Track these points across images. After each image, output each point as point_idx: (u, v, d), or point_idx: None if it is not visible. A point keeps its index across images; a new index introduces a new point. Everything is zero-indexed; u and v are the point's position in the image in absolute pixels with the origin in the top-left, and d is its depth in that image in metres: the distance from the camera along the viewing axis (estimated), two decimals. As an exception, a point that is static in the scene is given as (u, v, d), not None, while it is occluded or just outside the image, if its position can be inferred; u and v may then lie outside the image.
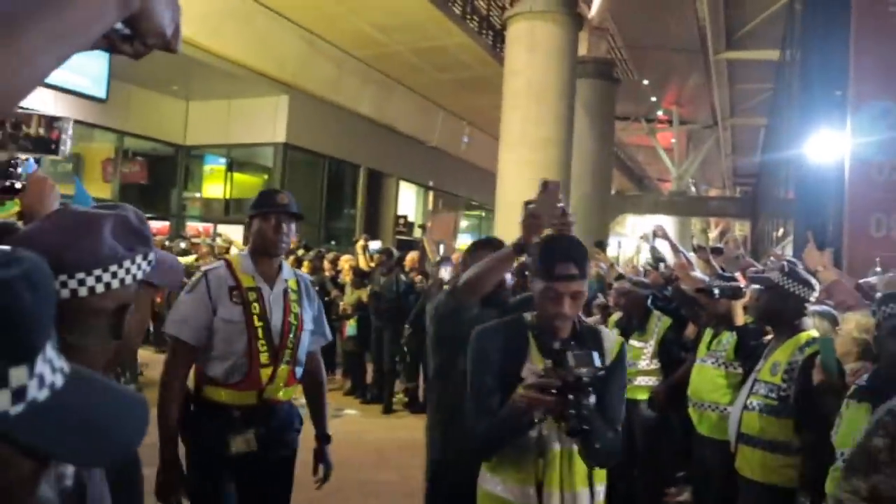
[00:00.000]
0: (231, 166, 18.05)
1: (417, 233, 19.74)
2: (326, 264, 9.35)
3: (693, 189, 35.84)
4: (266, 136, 16.51)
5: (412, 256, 8.78)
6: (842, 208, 8.88)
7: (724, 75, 20.53)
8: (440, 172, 22.11)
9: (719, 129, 27.12)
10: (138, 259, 1.20)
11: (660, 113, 28.07)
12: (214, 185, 18.26)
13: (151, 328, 9.46)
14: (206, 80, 14.89)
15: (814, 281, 3.38)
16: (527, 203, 2.60)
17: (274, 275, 2.88)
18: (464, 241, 23.45)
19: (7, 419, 0.54)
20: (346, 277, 8.82)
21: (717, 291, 4.06)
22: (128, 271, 1.18)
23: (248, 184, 18.49)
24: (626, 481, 5.34)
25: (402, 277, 8.51)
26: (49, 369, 0.57)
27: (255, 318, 2.77)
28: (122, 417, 0.61)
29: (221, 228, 14.70)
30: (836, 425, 2.56)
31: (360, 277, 8.61)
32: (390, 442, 7.07)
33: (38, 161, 1.60)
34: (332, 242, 15.92)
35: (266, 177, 17.57)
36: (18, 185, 1.65)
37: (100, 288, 1.13)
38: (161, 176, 17.06)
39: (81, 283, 1.11)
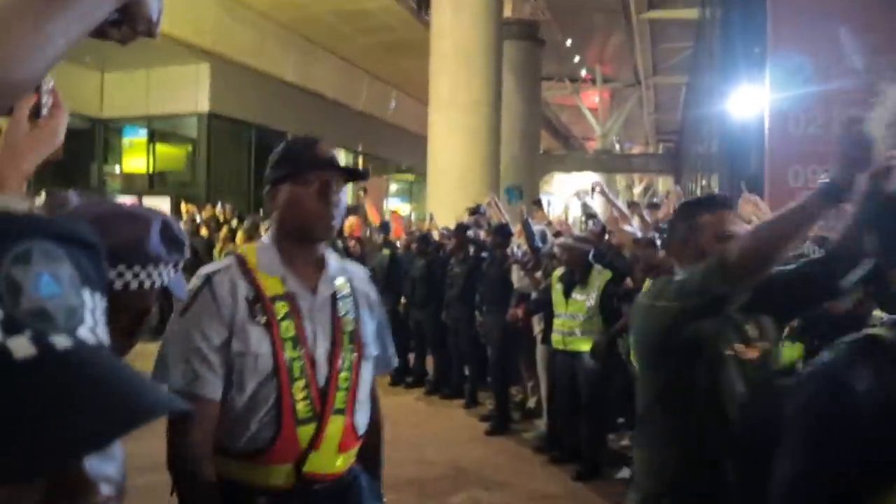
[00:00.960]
0: (153, 138, 17.49)
1: (349, 198, 19.60)
2: (263, 233, 9.22)
3: (617, 147, 36.50)
4: (188, 106, 16.04)
5: (351, 222, 8.74)
6: (762, 161, 9.23)
7: (647, 35, 20.86)
8: (369, 137, 21.92)
9: (642, 88, 27.61)
10: (171, 265, 1.20)
11: (584, 72, 28.36)
12: (136, 158, 17.67)
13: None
14: (122, 50, 14.15)
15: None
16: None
17: (316, 273, 1.80)
18: (395, 205, 23.44)
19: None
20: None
21: (659, 242, 4.21)
22: (160, 274, 1.18)
23: (172, 155, 17.97)
24: (570, 430, 5.54)
25: (339, 244, 8.48)
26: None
27: (289, 344, 1.72)
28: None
29: (147, 202, 14.29)
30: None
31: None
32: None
33: None
34: (262, 211, 15.68)
35: (190, 147, 17.10)
36: None
37: (134, 285, 1.13)
38: (77, 150, 16.39)
39: (120, 275, 1.11)
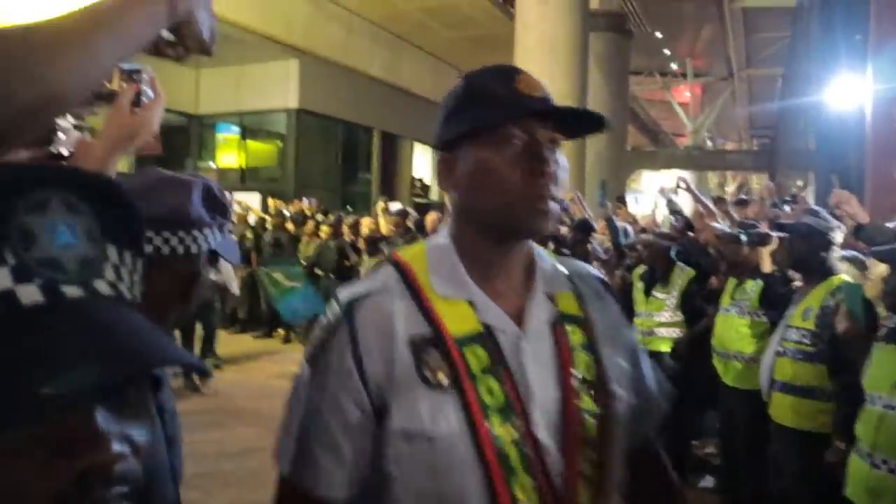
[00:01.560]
0: (244, 134, 18.03)
1: (434, 195, 19.70)
2: (346, 229, 9.36)
3: (709, 143, 35.44)
4: (278, 103, 16.45)
5: (432, 217, 8.77)
6: (863, 155, 8.77)
7: (740, 25, 20.14)
8: (454, 133, 21.98)
9: (735, 81, 26.69)
10: (216, 228, 1.22)
11: (674, 66, 27.62)
12: (228, 153, 18.25)
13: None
14: (216, 48, 14.79)
15: (839, 223, 3.35)
16: None
17: (522, 288, 1.12)
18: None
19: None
20: (363, 243, 8.85)
21: (744, 238, 4.03)
22: (206, 238, 1.19)
23: (262, 151, 18.47)
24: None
25: (421, 239, 8.52)
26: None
27: (496, 417, 1.01)
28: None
29: (238, 197, 14.74)
30: (865, 367, 2.56)
31: (374, 244, 8.64)
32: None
33: (81, 129, 1.60)
34: (349, 208, 15.94)
35: (280, 143, 17.54)
36: (65, 152, 1.64)
37: (180, 249, 1.15)
38: (175, 147, 17.06)
39: (166, 241, 1.13)
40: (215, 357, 7.56)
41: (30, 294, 0.47)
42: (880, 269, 2.95)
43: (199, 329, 7.52)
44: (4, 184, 0.50)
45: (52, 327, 0.47)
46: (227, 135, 18.28)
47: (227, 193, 1.29)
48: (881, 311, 2.84)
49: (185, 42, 0.94)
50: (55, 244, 0.50)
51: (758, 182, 32.94)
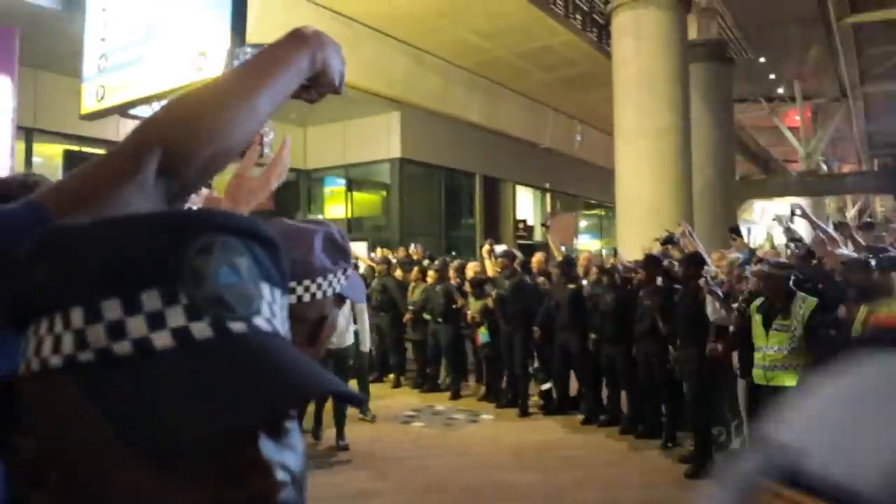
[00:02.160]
0: (350, 186, 18.57)
1: (538, 236, 19.62)
2: (452, 272, 9.43)
3: (824, 167, 33.85)
4: (381, 153, 16.89)
5: (538, 258, 8.73)
6: None
7: (850, 42, 19.31)
8: (556, 173, 21.91)
9: (849, 100, 25.49)
10: (339, 273, 1.26)
11: (780, 90, 26.69)
12: (335, 205, 18.81)
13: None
14: (322, 105, 15.27)
15: None
16: None
17: None
18: (584, 242, 23.16)
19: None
20: (469, 286, 8.88)
21: (874, 262, 3.80)
22: (330, 284, 1.23)
23: (367, 202, 18.95)
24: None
25: (528, 280, 8.47)
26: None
27: None
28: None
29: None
30: None
31: (479, 287, 8.66)
32: (527, 444, 7.04)
33: (207, 184, 1.71)
34: (453, 253, 16.06)
35: (385, 193, 17.95)
36: (195, 207, 1.74)
37: (306, 297, 1.19)
38: (286, 201, 17.74)
39: (292, 290, 1.17)
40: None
41: (201, 330, 0.50)
42: None
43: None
44: (179, 228, 0.53)
45: (222, 360, 0.50)
46: (334, 187, 18.87)
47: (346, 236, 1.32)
48: None
49: (319, 88, 1.05)
50: (220, 283, 0.53)
51: (881, 204, 31.13)
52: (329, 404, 6.76)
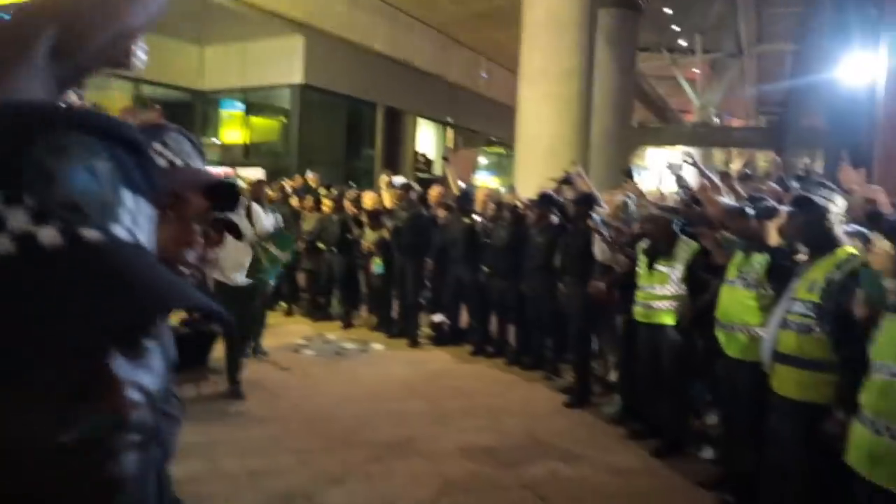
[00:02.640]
0: (248, 110, 17.94)
1: (438, 170, 19.62)
2: (348, 203, 9.32)
3: (716, 120, 35.18)
4: (282, 78, 16.34)
5: (436, 191, 8.73)
6: (874, 132, 8.68)
7: (751, 0, 19.90)
8: (459, 109, 21.86)
9: (744, 58, 26.43)
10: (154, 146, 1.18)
11: (683, 42, 27.35)
12: (232, 130, 18.17)
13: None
14: (220, 24, 14.68)
15: (842, 196, 3.31)
16: None
17: None
18: (483, 179, 23.35)
19: None
20: (365, 219, 8.81)
21: (751, 212, 3.99)
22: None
23: (266, 127, 18.40)
24: (651, 405, 5.38)
25: (425, 212, 8.48)
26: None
27: None
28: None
29: (242, 172, 14.69)
30: (874, 338, 2.53)
31: (376, 218, 8.60)
32: (416, 373, 7.16)
33: (80, 94, 1.57)
34: (352, 184, 15.88)
35: (284, 119, 17.46)
36: None
37: None
38: (179, 122, 16.70)
39: None
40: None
41: (49, 236, 0.46)
42: (885, 243, 2.92)
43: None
44: (29, 122, 0.48)
45: (72, 270, 0.46)
46: (232, 111, 18.19)
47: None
48: (887, 283, 2.81)
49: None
50: (74, 186, 0.48)
51: (764, 160, 32.72)
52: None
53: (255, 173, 13.97)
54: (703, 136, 29.16)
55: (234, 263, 6.03)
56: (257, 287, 6.37)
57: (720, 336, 4.20)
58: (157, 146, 1.17)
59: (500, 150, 26.09)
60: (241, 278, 6.11)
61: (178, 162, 1.19)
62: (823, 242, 3.25)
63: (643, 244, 5.39)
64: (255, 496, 4.23)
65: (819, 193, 3.23)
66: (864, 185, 3.37)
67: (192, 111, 17.51)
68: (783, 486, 3.30)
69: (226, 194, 1.22)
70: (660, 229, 5.17)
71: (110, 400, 0.47)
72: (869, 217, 3.26)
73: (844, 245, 3.23)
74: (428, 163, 20.60)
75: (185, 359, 6.01)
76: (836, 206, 3.24)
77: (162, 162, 1.17)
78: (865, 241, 3.33)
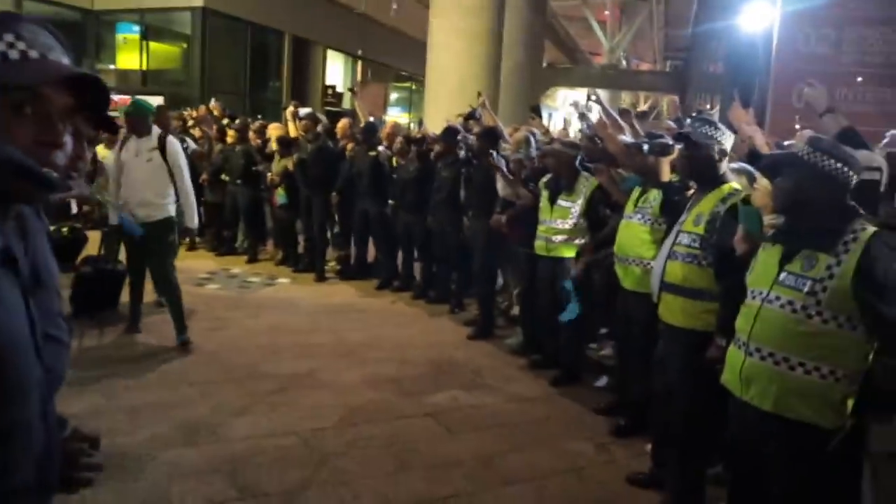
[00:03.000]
0: (146, 34, 17.02)
1: (347, 102, 19.25)
2: (252, 134, 9.07)
3: (624, 63, 35.73)
4: (182, 0, 15.55)
5: (343, 123, 8.58)
6: (767, 79, 9.01)
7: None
8: (369, 41, 21.38)
9: (653, 2, 26.79)
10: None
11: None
12: (129, 55, 17.22)
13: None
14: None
15: (730, 133, 3.46)
16: None
17: None
18: (393, 115, 23.06)
19: None
20: (273, 146, 8.59)
21: (646, 147, 4.11)
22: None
23: (166, 53, 17.54)
24: (551, 336, 5.57)
25: (331, 145, 8.35)
26: None
27: None
28: None
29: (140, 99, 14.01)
30: (751, 266, 2.68)
31: (286, 146, 8.41)
32: (321, 307, 7.15)
33: None
34: (259, 116, 15.42)
35: (185, 45, 16.68)
36: None
37: None
38: (69, 45, 15.93)
39: None
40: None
41: None
42: (765, 181, 3.08)
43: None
44: None
45: None
46: (128, 34, 17.21)
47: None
48: (766, 218, 2.98)
49: None
50: None
51: (668, 104, 33.56)
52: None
53: (154, 102, 13.36)
54: (612, 79, 29.62)
55: (142, 199, 5.54)
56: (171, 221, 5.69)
57: (618, 269, 4.37)
58: (8, 37, 1.08)
59: (411, 84, 25.79)
60: (155, 212, 5.55)
61: (34, 54, 1.10)
62: (709, 178, 3.40)
63: (545, 179, 5.49)
64: (156, 428, 4.18)
65: (706, 131, 3.36)
66: (752, 124, 3.52)
67: (83, 33, 16.47)
68: (669, 409, 3.50)
69: (93, 90, 1.16)
70: (562, 164, 5.27)
71: None
72: (748, 156, 3.40)
73: (729, 181, 3.39)
74: (337, 96, 20.16)
75: (93, 300, 5.66)
76: (724, 143, 3.38)
77: (14, 54, 1.08)
78: (752, 178, 3.49)
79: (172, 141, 5.79)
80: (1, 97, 1.05)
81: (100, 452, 1.39)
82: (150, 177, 5.58)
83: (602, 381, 5.40)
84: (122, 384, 4.80)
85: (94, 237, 6.82)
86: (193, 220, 5.88)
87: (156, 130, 5.74)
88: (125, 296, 6.03)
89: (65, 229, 6.91)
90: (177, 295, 5.69)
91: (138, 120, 5.63)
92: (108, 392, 4.64)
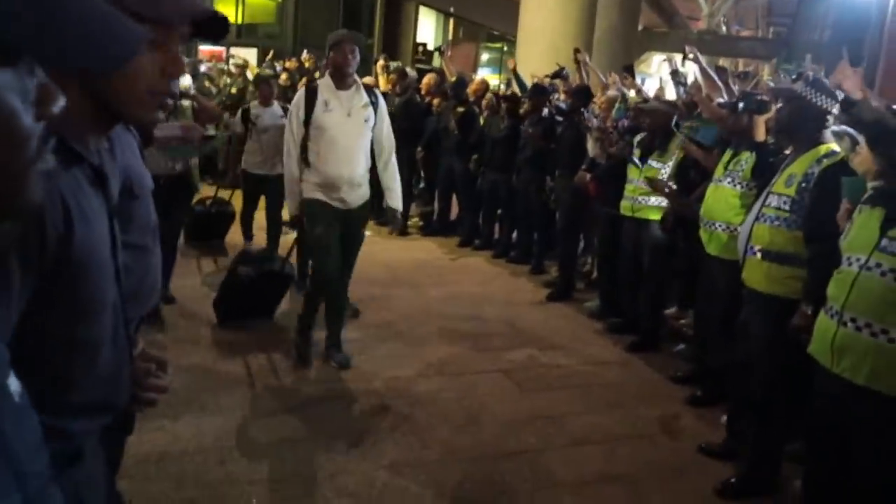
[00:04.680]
0: (243, -14, 17.34)
1: (436, 61, 19.19)
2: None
3: (724, 29, 34.27)
4: (279, -45, 15.75)
5: (428, 79, 8.55)
6: (879, 47, 8.50)
7: None
8: (462, -1, 21.18)
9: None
10: None
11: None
12: (225, 8, 17.55)
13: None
14: None
15: (837, 92, 3.25)
16: None
17: None
18: (484, 75, 22.88)
19: None
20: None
21: (741, 105, 3.93)
22: None
23: (261, 7, 17.82)
24: (631, 299, 5.47)
25: (418, 99, 8.34)
26: None
27: None
28: (111, 25, 0.56)
29: (234, 51, 14.32)
30: (846, 230, 2.55)
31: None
32: (404, 262, 7.21)
33: None
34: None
35: (280, 0, 16.90)
36: None
37: None
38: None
39: None
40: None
41: None
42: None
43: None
44: None
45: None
46: (225, -14, 17.58)
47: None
48: (873, 183, 2.81)
49: None
50: None
51: (769, 73, 32.10)
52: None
53: (249, 53, 13.63)
54: (709, 45, 28.40)
55: (353, 177, 4.31)
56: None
57: (703, 234, 4.22)
58: None
59: (502, 45, 25.46)
60: (364, 194, 4.49)
61: None
62: (806, 137, 3.22)
63: (638, 137, 5.34)
64: (231, 366, 4.34)
65: (809, 89, 3.18)
66: (858, 82, 3.31)
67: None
68: (750, 379, 3.40)
69: (215, 27, 1.19)
70: (658, 123, 5.11)
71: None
72: (843, 107, 3.17)
73: (827, 142, 3.20)
74: (428, 53, 20.11)
75: (256, 303, 5.21)
76: (836, 102, 3.17)
77: None
78: (854, 142, 3.30)
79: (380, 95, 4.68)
80: None
81: (167, 375, 1.42)
82: (365, 143, 4.34)
83: (681, 349, 5.28)
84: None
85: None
86: (397, 201, 4.73)
87: (358, 80, 4.42)
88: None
89: (209, 202, 6.89)
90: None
91: (348, 56, 4.25)
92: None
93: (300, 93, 4.43)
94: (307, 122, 4.19)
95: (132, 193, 1.32)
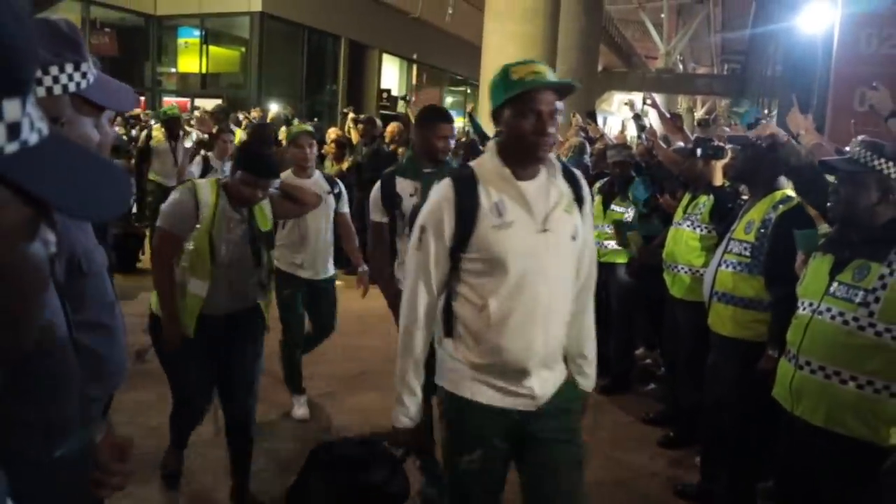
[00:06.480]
0: (206, 38, 17.44)
1: (401, 107, 19.43)
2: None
3: (681, 67, 35.20)
4: (241, 5, 15.89)
5: (392, 128, 8.65)
6: (828, 82, 8.78)
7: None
8: (424, 45, 21.50)
9: (710, 4, 26.35)
10: (68, 68, 1.14)
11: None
12: (190, 59, 17.68)
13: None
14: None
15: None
16: None
17: None
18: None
19: (2, 156, 0.50)
20: (330, 150, 8.70)
21: (699, 151, 4.05)
22: (56, 80, 1.11)
23: (225, 57, 17.93)
24: (599, 341, 5.51)
25: (385, 147, 8.42)
26: (36, 114, 0.54)
27: None
28: (108, 177, 0.59)
29: (198, 102, 14.37)
30: (801, 276, 2.63)
31: (342, 149, 8.50)
32: (371, 311, 7.18)
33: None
34: (315, 119, 15.64)
35: (243, 49, 17.02)
36: None
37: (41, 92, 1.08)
38: (133, 49, 16.45)
39: None
40: None
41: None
42: None
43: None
44: None
45: (30, 172, 0.53)
46: (189, 39, 17.67)
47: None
48: (820, 228, 2.91)
49: None
50: None
51: (726, 108, 32.94)
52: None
53: (213, 104, 13.68)
54: (668, 83, 29.20)
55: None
56: None
57: (666, 276, 4.31)
58: None
59: (465, 88, 25.84)
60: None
61: None
62: (762, 182, 3.33)
63: (598, 183, 5.45)
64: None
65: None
66: (812, 130, 3.44)
67: (146, 37, 16.95)
68: (720, 421, 3.45)
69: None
70: (623, 171, 5.23)
71: None
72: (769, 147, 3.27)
73: (783, 187, 3.31)
74: (392, 99, 20.34)
75: None
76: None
77: None
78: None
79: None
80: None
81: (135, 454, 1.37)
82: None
83: (651, 387, 5.33)
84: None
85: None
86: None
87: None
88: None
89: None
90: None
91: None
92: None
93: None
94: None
95: (81, 271, 1.31)
